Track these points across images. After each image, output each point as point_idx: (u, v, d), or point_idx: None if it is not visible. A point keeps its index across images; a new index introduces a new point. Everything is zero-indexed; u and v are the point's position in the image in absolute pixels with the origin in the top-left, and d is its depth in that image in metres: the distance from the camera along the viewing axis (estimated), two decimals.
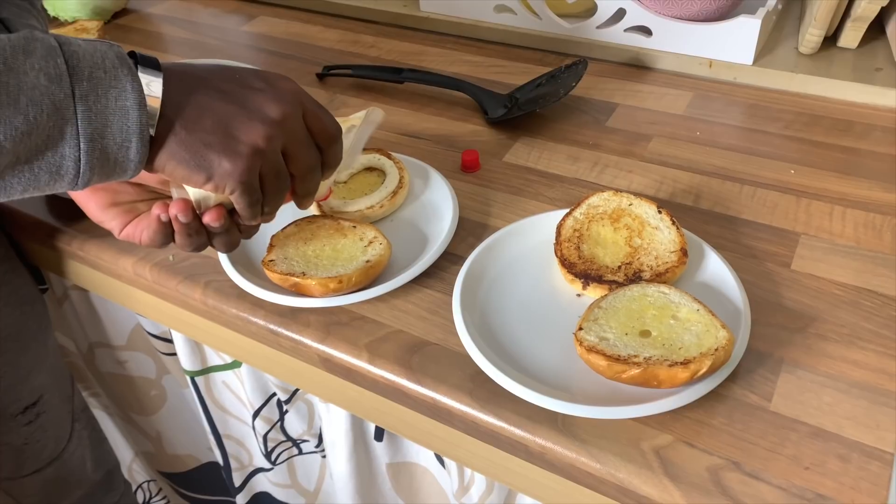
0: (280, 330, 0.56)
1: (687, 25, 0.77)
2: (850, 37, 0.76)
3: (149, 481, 1.09)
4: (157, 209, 0.47)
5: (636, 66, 0.82)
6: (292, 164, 0.46)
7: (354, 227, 0.59)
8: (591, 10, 0.82)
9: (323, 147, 0.48)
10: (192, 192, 0.46)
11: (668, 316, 0.48)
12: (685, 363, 0.44)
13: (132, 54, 0.42)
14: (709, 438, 0.45)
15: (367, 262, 0.55)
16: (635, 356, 0.45)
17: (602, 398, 0.47)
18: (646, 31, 0.80)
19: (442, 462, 0.64)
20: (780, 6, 0.80)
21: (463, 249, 0.60)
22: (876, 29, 0.78)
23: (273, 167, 0.45)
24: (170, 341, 0.80)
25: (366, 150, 0.68)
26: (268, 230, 0.59)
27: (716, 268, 0.54)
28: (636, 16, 0.79)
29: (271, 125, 0.44)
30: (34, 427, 0.74)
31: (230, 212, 0.48)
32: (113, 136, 0.39)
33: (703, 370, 0.44)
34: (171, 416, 0.94)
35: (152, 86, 0.40)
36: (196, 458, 1.02)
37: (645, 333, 0.47)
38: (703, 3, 0.76)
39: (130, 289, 0.67)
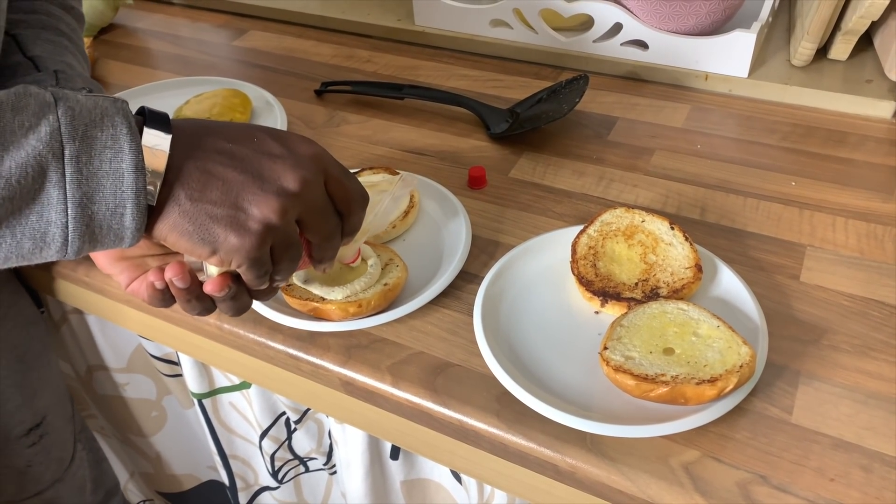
0: (300, 354, 0.55)
1: (683, 39, 0.79)
2: (841, 49, 0.78)
3: (145, 501, 1.08)
4: (151, 275, 0.43)
5: (633, 80, 0.83)
6: (308, 231, 0.43)
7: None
8: (588, 25, 0.83)
9: (344, 214, 0.45)
10: None
11: (690, 333, 0.49)
12: (712, 381, 0.45)
13: (142, 110, 0.39)
14: (735, 453, 0.46)
15: (385, 284, 0.55)
16: (662, 375, 0.46)
17: (628, 416, 0.47)
18: (642, 44, 0.82)
19: (458, 478, 0.65)
20: (770, 19, 0.82)
21: (477, 268, 0.60)
22: (864, 41, 0.80)
23: (285, 240, 0.41)
24: (173, 363, 0.79)
25: (373, 169, 0.68)
26: None
27: (729, 282, 0.55)
28: (632, 30, 0.81)
29: (287, 197, 0.40)
30: (38, 449, 0.73)
31: (237, 276, 0.43)
32: (105, 201, 0.36)
33: (730, 387, 0.45)
34: (172, 436, 0.93)
35: (158, 147, 0.37)
36: (195, 478, 1.01)
37: (668, 351, 0.48)
38: (698, 17, 0.77)
39: (136, 312, 0.67)
